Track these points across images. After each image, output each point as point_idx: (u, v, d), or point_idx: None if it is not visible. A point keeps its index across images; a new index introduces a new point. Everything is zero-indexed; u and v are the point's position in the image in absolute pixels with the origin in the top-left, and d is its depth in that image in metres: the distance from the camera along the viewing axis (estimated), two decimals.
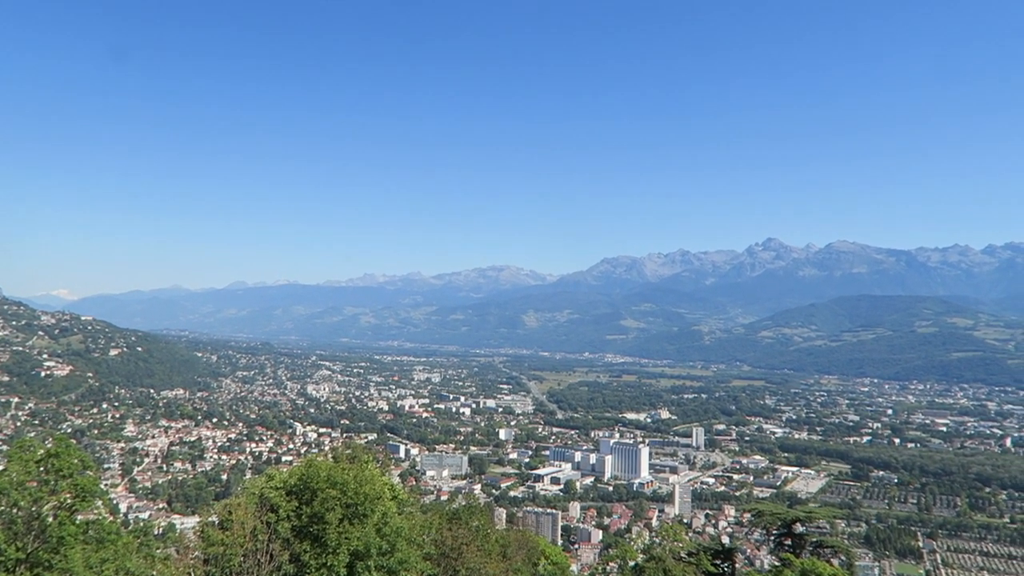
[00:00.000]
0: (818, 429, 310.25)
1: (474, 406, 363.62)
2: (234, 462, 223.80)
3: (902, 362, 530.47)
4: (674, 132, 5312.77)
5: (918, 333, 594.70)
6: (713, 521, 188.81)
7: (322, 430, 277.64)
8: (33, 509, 22.86)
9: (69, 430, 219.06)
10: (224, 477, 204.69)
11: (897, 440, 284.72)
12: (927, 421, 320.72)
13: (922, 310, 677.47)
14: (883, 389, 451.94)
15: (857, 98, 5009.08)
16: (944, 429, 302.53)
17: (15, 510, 22.71)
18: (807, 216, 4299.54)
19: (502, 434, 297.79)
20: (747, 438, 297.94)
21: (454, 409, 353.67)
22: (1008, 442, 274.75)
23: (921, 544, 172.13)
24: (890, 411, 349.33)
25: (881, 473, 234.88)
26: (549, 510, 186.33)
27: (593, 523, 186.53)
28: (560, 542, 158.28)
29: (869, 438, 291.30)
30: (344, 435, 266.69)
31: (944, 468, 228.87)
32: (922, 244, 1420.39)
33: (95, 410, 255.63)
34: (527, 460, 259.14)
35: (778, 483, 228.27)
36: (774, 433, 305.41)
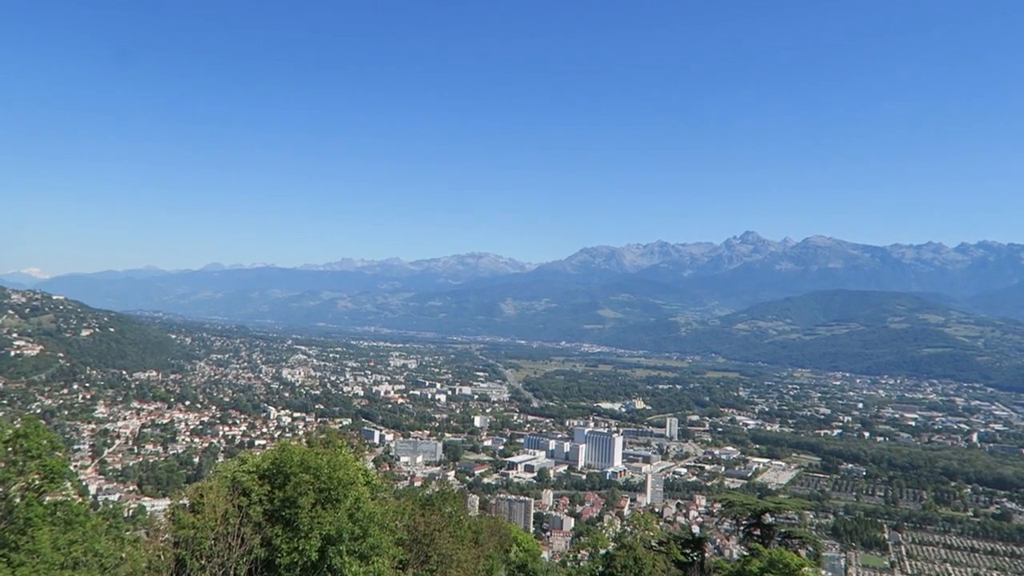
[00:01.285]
0: (790, 421, 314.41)
1: (450, 393, 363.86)
2: (206, 445, 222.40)
3: (874, 357, 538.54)
4: (655, 126, 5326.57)
5: (891, 329, 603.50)
6: (684, 511, 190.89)
7: (296, 414, 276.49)
8: (0, 490, 22.57)
9: (38, 410, 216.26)
10: (196, 460, 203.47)
11: (867, 433, 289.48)
12: (896, 415, 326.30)
13: (895, 306, 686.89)
14: (855, 383, 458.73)
15: (835, 97, 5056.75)
16: (913, 423, 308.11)
17: None
18: (785, 210, 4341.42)
19: (477, 421, 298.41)
20: (720, 429, 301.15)
21: (430, 396, 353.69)
22: (975, 437, 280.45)
23: (887, 536, 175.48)
24: (861, 405, 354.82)
25: (850, 466, 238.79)
26: (522, 497, 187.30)
27: (566, 511, 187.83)
28: (532, 529, 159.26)
29: (840, 431, 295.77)
30: (318, 420, 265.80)
31: (912, 462, 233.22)
32: (897, 241, 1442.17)
33: (65, 391, 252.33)
34: (501, 447, 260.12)
35: (749, 474, 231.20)
36: (747, 425, 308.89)
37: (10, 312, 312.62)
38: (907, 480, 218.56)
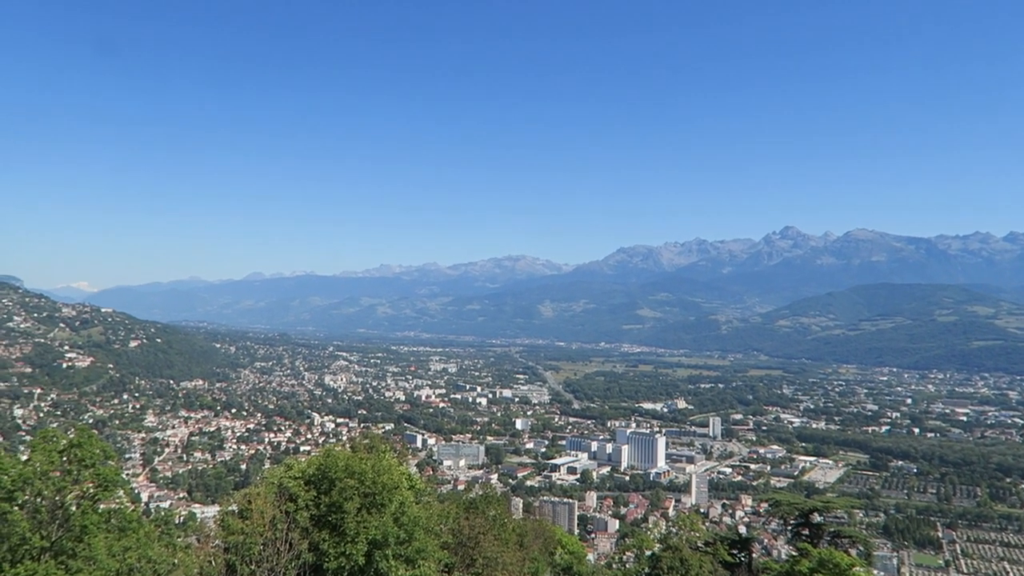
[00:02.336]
0: (836, 419, 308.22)
1: (490, 396, 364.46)
2: (253, 452, 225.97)
3: (922, 351, 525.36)
4: (690, 123, 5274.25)
5: (938, 322, 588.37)
6: (730, 511, 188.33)
7: (340, 420, 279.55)
8: (57, 498, 23.18)
9: (91, 421, 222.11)
10: (243, 467, 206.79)
11: (916, 430, 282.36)
12: (947, 410, 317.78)
13: (942, 298, 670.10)
14: (902, 378, 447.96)
15: (876, 86, 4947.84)
16: (964, 419, 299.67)
17: (39, 499, 23.04)
18: (825, 204, 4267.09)
19: (519, 424, 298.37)
20: (764, 428, 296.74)
21: (470, 399, 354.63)
22: None
23: (940, 534, 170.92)
24: (909, 400, 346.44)
25: (900, 463, 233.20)
26: (566, 500, 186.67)
27: (610, 513, 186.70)
28: (577, 531, 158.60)
29: (888, 428, 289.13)
30: (361, 425, 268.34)
31: (964, 458, 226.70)
32: (942, 232, 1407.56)
33: (116, 401, 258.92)
34: (543, 450, 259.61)
35: (796, 473, 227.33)
36: (792, 423, 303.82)
37: (61, 325, 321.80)
38: (960, 477, 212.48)
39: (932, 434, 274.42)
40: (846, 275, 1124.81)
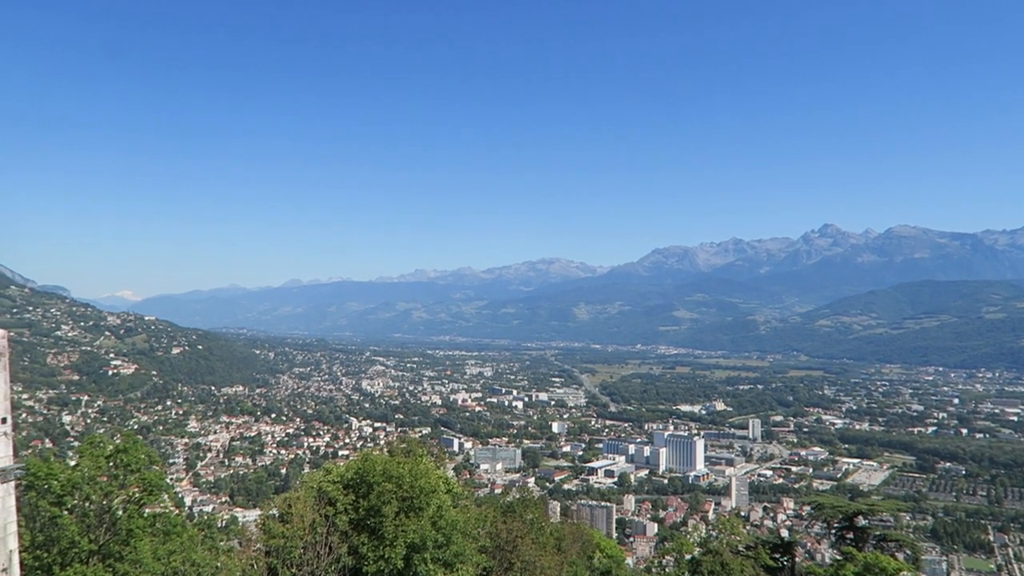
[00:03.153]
0: (880, 420, 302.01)
1: (526, 399, 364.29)
2: (292, 456, 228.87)
3: (969, 349, 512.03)
4: (726, 119, 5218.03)
5: (986, 319, 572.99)
6: (771, 514, 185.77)
7: (377, 424, 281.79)
8: (104, 503, 23.74)
9: (136, 426, 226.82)
10: (283, 471, 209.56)
11: (964, 430, 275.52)
12: (996, 410, 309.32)
13: (990, 295, 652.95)
14: (949, 378, 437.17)
15: (914, 81, 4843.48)
16: (1015, 419, 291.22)
17: (87, 504, 23.61)
18: (865, 201, 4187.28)
19: (555, 427, 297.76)
20: (805, 429, 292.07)
21: (506, 403, 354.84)
22: None
23: (992, 538, 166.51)
24: (956, 400, 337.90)
25: (948, 464, 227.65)
26: (603, 503, 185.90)
27: (648, 516, 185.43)
28: (615, 535, 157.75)
29: (934, 428, 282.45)
30: (399, 429, 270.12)
31: (1015, 459, 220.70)
32: (988, 227, 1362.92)
33: (159, 407, 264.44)
34: (580, 453, 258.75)
35: (839, 475, 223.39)
36: (834, 424, 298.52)
37: (107, 333, 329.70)
38: (1011, 479, 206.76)
39: (981, 435, 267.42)
40: (888, 273, 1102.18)
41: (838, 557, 45.21)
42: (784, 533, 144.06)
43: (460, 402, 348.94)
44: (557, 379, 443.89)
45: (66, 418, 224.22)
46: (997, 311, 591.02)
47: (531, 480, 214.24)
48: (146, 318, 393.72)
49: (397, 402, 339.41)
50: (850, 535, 47.35)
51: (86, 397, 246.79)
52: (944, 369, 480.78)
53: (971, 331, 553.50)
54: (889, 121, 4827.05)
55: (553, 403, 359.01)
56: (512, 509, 43.24)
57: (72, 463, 25.28)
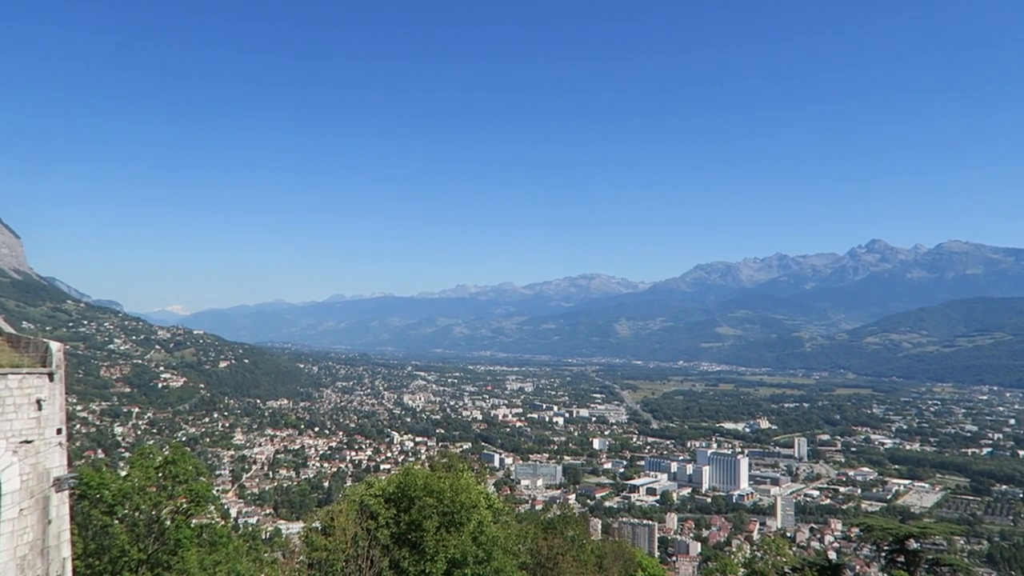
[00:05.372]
0: (932, 440, 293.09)
1: (567, 415, 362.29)
2: (335, 470, 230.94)
3: None
4: (769, 131, 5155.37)
5: None
6: (818, 535, 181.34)
7: (418, 439, 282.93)
8: (153, 512, 24.31)
9: (184, 438, 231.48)
10: (326, 484, 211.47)
11: (1021, 452, 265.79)
12: None
13: None
14: (1004, 397, 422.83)
15: (966, 87, 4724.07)
16: None
17: (137, 513, 24.21)
18: (914, 216, 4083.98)
19: (596, 444, 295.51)
20: (853, 449, 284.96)
21: (547, 418, 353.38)
22: None
23: None
24: (1012, 421, 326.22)
25: (1004, 487, 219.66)
26: (645, 521, 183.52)
27: (691, 535, 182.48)
28: (657, 554, 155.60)
29: (989, 450, 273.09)
30: (440, 444, 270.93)
31: None
32: None
33: (207, 419, 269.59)
34: (622, 470, 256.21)
35: (888, 496, 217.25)
36: (883, 444, 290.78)
37: (157, 347, 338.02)
38: None
39: None
40: (939, 289, 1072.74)
41: None
42: (832, 555, 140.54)
43: (501, 417, 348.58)
44: (598, 395, 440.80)
45: (118, 429, 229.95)
46: None
47: (572, 497, 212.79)
48: (195, 332, 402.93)
49: (438, 417, 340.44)
50: (901, 559, 46.02)
51: (137, 409, 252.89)
52: (999, 388, 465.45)
53: None
54: (938, 134, 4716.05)
55: (594, 419, 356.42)
56: (553, 526, 43.07)
57: (123, 473, 25.97)
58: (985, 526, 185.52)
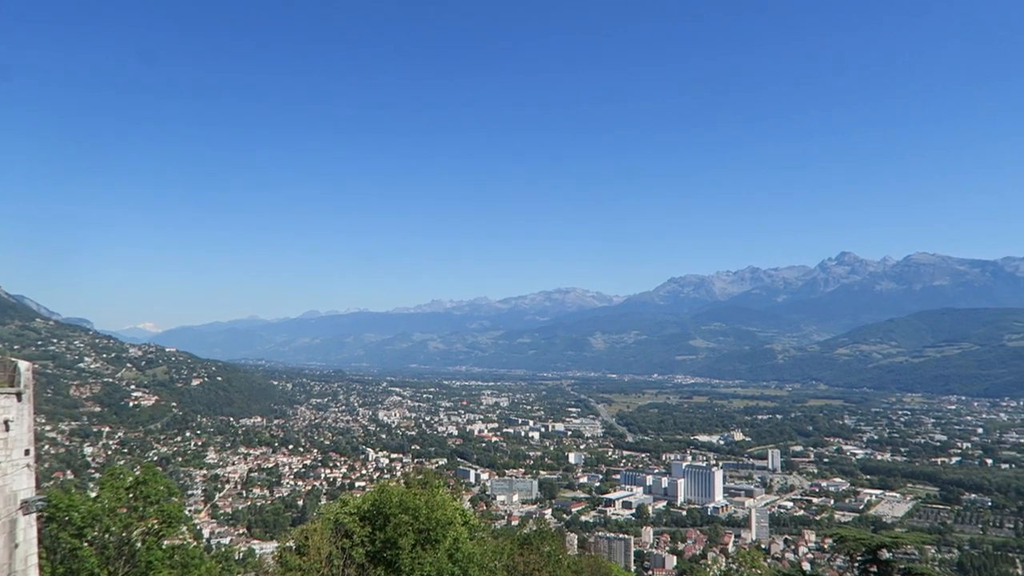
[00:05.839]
0: (902, 450, 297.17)
1: (543, 430, 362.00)
2: (309, 488, 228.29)
3: (992, 378, 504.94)
4: (741, 146, 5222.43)
5: (1009, 347, 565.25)
6: (792, 546, 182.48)
7: (394, 456, 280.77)
8: (123, 534, 24.01)
9: (155, 458, 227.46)
10: (300, 503, 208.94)
11: (990, 460, 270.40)
12: (1022, 440, 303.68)
13: (1012, 322, 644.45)
14: (972, 407, 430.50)
15: (933, 103, 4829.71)
16: None
17: (107, 535, 23.89)
18: (883, 228, 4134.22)
19: (572, 458, 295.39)
20: (826, 460, 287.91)
21: (523, 433, 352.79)
22: None
23: (1020, 571, 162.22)
24: (981, 430, 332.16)
25: (973, 496, 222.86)
26: (621, 535, 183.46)
27: (667, 548, 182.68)
28: (633, 568, 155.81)
29: (958, 459, 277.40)
30: (415, 460, 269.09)
31: None
32: (1009, 253, 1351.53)
33: (179, 438, 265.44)
34: (598, 484, 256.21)
35: (861, 507, 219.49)
36: (855, 454, 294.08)
37: (128, 365, 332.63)
38: None
39: (1007, 465, 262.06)
40: (907, 301, 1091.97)
41: None
42: (806, 566, 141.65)
43: (476, 433, 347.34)
44: (573, 409, 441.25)
45: (87, 449, 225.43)
46: (1020, 339, 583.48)
47: (548, 512, 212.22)
48: (167, 350, 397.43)
49: (413, 433, 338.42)
50: (874, 569, 46.62)
51: (107, 428, 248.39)
52: (967, 398, 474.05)
53: (993, 359, 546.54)
54: (906, 147, 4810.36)
55: (570, 433, 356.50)
56: (529, 541, 43.03)
57: (93, 495, 25.61)
58: (955, 535, 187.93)
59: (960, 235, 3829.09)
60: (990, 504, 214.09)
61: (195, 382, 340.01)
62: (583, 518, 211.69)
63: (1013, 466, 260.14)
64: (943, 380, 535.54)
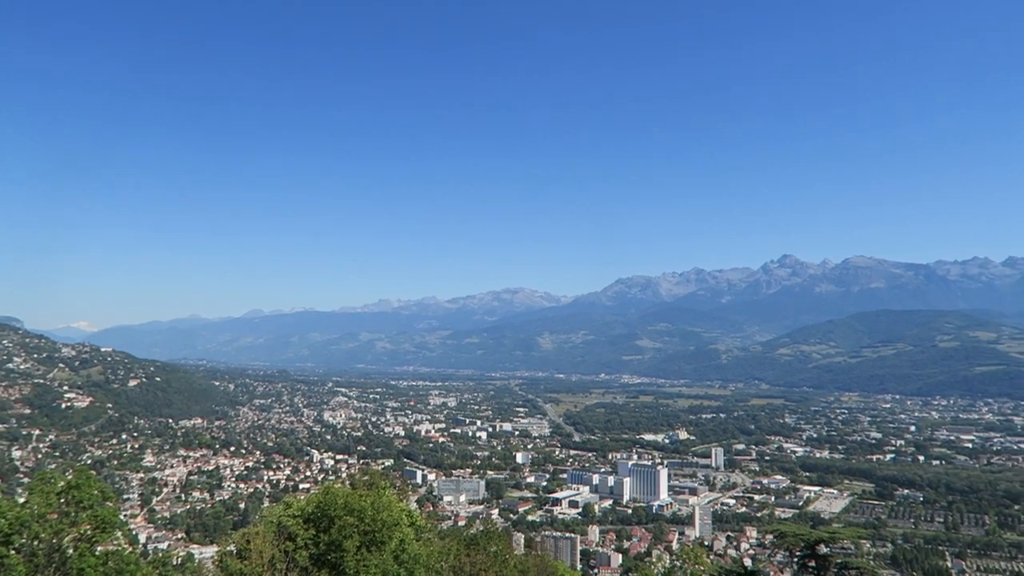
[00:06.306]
0: (840, 447, 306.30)
1: (490, 430, 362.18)
2: (252, 490, 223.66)
3: (924, 377, 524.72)
4: (686, 151, 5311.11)
5: (940, 348, 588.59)
6: (735, 543, 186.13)
7: (339, 457, 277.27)
8: (54, 541, 23.06)
9: (89, 461, 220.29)
10: (242, 506, 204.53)
11: (921, 457, 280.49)
12: (952, 437, 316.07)
13: (943, 324, 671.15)
14: (905, 405, 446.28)
15: (872, 112, 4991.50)
16: (970, 445, 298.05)
17: (36, 542, 22.91)
18: (822, 232, 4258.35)
19: (519, 458, 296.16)
20: (767, 458, 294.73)
21: (470, 433, 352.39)
22: None
23: (950, 564, 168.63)
24: (913, 428, 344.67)
25: (906, 491, 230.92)
26: (568, 534, 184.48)
27: (612, 547, 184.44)
28: (579, 567, 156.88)
29: (892, 456, 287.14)
30: (361, 461, 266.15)
31: (971, 485, 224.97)
32: (941, 257, 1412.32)
33: (114, 441, 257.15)
34: (545, 484, 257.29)
35: (800, 503, 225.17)
36: (795, 452, 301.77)
37: (61, 365, 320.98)
38: (967, 504, 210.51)
39: (937, 461, 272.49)
40: (846, 302, 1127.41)
41: None
42: (747, 562, 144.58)
43: (423, 433, 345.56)
44: (521, 409, 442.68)
45: (16, 453, 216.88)
46: (950, 340, 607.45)
47: (495, 512, 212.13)
48: (102, 349, 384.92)
49: (359, 434, 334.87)
50: (812, 563, 47.70)
51: (37, 431, 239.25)
52: (900, 397, 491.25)
53: (926, 359, 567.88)
54: (844, 152, 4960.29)
55: (517, 433, 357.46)
56: (476, 542, 42.91)
57: (21, 500, 24.55)
58: (889, 529, 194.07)
59: (895, 239, 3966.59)
60: (922, 499, 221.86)
61: (132, 383, 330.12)
62: (530, 518, 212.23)
63: (943, 462, 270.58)
64: (879, 380, 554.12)
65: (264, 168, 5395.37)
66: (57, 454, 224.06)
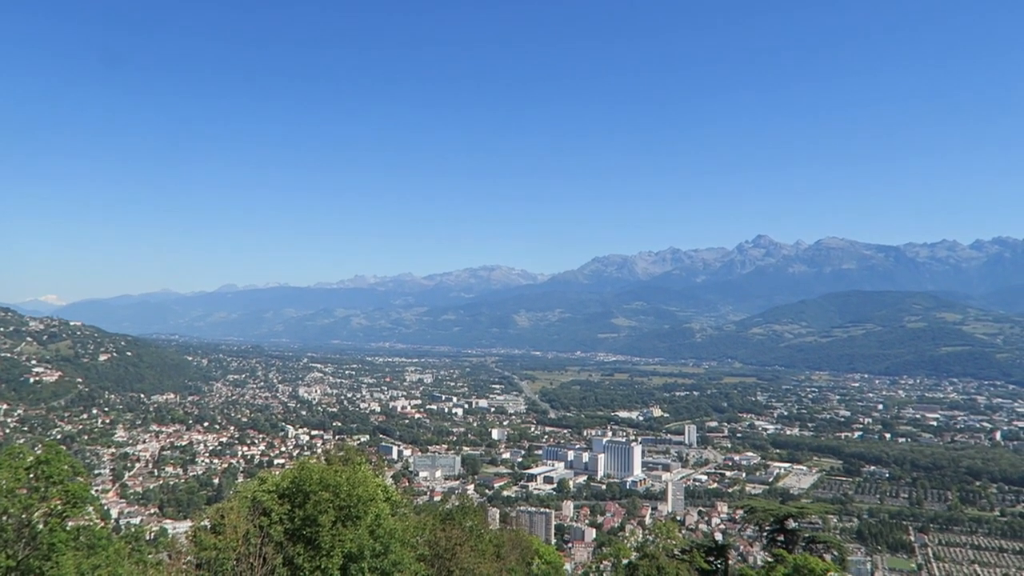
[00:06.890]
0: (809, 425, 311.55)
1: (466, 406, 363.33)
2: (226, 466, 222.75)
3: (892, 357, 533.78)
4: (664, 131, 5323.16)
5: (908, 328, 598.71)
6: (706, 518, 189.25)
7: (314, 432, 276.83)
8: (23, 516, 22.71)
9: (59, 436, 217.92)
10: (216, 481, 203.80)
11: (888, 435, 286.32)
12: (917, 416, 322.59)
13: (911, 305, 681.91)
14: (873, 384, 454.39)
15: (845, 96, 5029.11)
16: (934, 423, 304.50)
17: (5, 517, 22.56)
18: (797, 213, 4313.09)
19: (495, 434, 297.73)
20: (739, 435, 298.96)
21: (446, 410, 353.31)
22: (998, 436, 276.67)
23: (913, 538, 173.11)
24: (881, 406, 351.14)
25: (872, 468, 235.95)
26: (543, 509, 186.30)
27: (587, 522, 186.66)
28: (554, 541, 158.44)
29: (860, 433, 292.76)
30: (336, 437, 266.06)
31: (935, 462, 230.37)
32: (911, 240, 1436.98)
33: (85, 416, 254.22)
34: (520, 460, 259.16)
35: (770, 479, 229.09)
36: (766, 429, 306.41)
37: (28, 339, 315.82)
38: (931, 481, 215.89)
39: (903, 439, 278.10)
40: (818, 283, 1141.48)
41: (769, 559, 46.38)
42: (718, 536, 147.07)
43: (399, 409, 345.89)
44: (497, 386, 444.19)
45: None
46: (918, 320, 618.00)
47: (470, 487, 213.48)
48: (71, 323, 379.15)
49: (335, 409, 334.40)
50: (781, 537, 48.72)
51: (5, 406, 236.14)
52: (869, 376, 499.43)
53: (894, 340, 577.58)
54: (819, 134, 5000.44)
55: (493, 410, 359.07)
56: (451, 517, 43.04)
57: None
58: (855, 504, 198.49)
59: (867, 222, 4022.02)
60: (887, 476, 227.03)
61: (102, 357, 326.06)
62: (505, 493, 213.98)
63: (908, 440, 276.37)
64: (848, 359, 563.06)
65: (237, 140, 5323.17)
66: (26, 429, 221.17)
